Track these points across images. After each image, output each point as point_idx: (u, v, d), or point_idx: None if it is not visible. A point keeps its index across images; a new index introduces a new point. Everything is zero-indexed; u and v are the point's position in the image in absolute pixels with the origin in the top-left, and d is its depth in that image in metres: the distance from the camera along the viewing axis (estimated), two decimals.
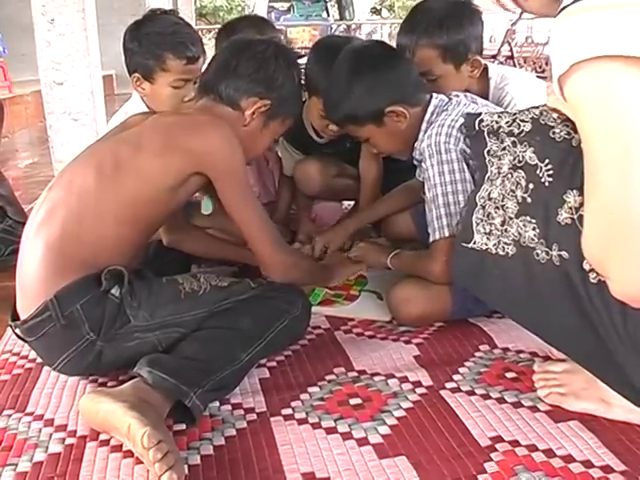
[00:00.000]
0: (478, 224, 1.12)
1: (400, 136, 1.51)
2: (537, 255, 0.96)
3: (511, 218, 1.04)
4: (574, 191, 0.90)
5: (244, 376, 1.25)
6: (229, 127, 1.24)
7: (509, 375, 1.27)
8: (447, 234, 1.37)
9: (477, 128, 1.11)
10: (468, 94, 1.56)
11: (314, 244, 1.80)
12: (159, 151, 1.21)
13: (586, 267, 0.89)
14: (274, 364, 1.35)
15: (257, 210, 1.28)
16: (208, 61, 1.40)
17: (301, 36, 10.68)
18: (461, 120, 1.37)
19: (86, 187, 1.19)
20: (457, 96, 1.51)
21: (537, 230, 0.96)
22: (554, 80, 0.78)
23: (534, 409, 1.14)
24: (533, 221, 0.98)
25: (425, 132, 1.45)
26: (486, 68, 1.69)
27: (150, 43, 1.63)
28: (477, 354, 1.36)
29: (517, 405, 1.16)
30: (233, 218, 1.27)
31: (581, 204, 0.88)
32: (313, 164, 2.03)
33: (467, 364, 1.32)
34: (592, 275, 0.88)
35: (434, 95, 1.50)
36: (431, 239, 1.41)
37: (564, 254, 0.92)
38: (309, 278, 1.46)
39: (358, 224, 1.86)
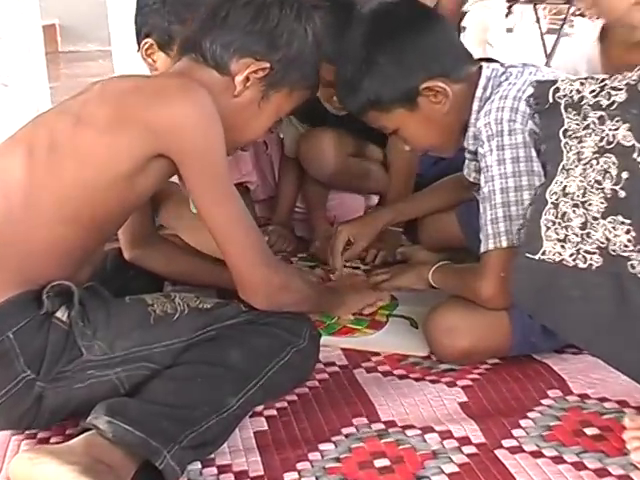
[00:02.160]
0: (549, 228, 1.13)
1: (441, 123, 1.51)
2: (632, 267, 0.97)
3: (596, 218, 1.05)
4: None
5: (234, 428, 1.24)
6: (207, 95, 1.23)
7: (589, 431, 1.26)
8: (505, 243, 1.37)
9: (551, 100, 1.12)
10: (528, 62, 1.56)
11: (334, 237, 1.82)
12: (107, 126, 1.19)
13: None
14: (274, 412, 1.35)
15: (236, 210, 1.27)
16: None
17: None
18: (530, 90, 1.36)
19: (14, 177, 1.19)
20: (514, 66, 1.50)
21: (632, 234, 0.97)
22: None
23: (625, 479, 1.12)
24: (627, 222, 0.99)
25: (480, 111, 1.45)
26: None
27: (179, 2, 1.62)
28: (545, 402, 1.36)
29: (602, 473, 1.14)
30: (202, 219, 1.26)
31: None
32: (326, 136, 2.03)
33: (531, 415, 1.31)
34: None
35: (484, 65, 1.50)
36: (483, 249, 1.41)
37: None
38: (307, 304, 1.43)
39: (393, 217, 1.87)
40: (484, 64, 1.51)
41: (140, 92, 1.24)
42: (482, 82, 1.47)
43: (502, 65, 1.51)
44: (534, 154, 1.36)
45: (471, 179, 1.58)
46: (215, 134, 1.23)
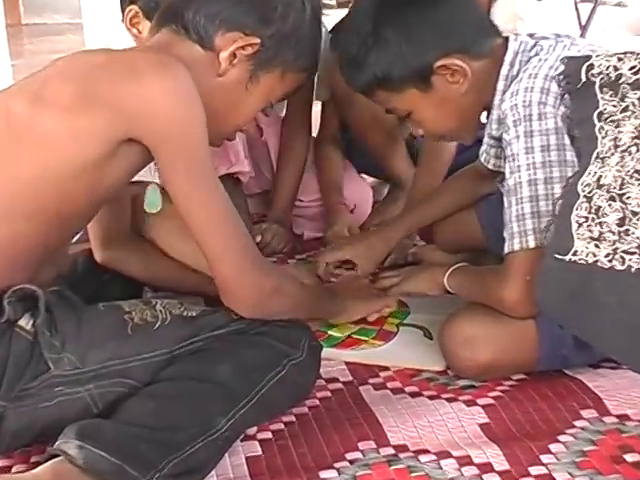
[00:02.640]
0: (581, 225, 1.13)
1: (459, 105, 1.51)
2: None
3: (635, 214, 1.05)
4: None
5: (224, 454, 1.25)
6: (186, 72, 1.21)
7: (630, 458, 1.25)
8: (532, 243, 1.37)
9: (584, 78, 1.11)
10: (562, 34, 1.54)
11: (327, 251, 1.83)
12: (70, 106, 1.18)
13: None
14: (269, 435, 1.35)
15: (219, 205, 1.26)
16: None
17: None
18: (561, 68, 1.33)
19: None
20: (546, 38, 1.50)
21: None
22: None
23: None
24: None
25: (505, 91, 1.45)
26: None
27: None
28: (578, 423, 1.35)
29: None
30: (180, 215, 1.25)
31: None
32: None
33: (563, 439, 1.31)
34: None
35: (511, 37, 1.50)
36: (507, 249, 1.40)
37: None
38: (301, 311, 1.42)
39: (404, 234, 1.89)
40: (511, 36, 1.50)
41: (109, 67, 1.23)
42: (508, 57, 1.47)
43: (532, 37, 1.50)
44: (567, 141, 1.35)
45: (490, 166, 1.57)
46: (195, 116, 1.21)
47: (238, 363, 1.26)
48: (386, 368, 1.57)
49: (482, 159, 1.62)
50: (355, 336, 1.66)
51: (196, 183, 1.23)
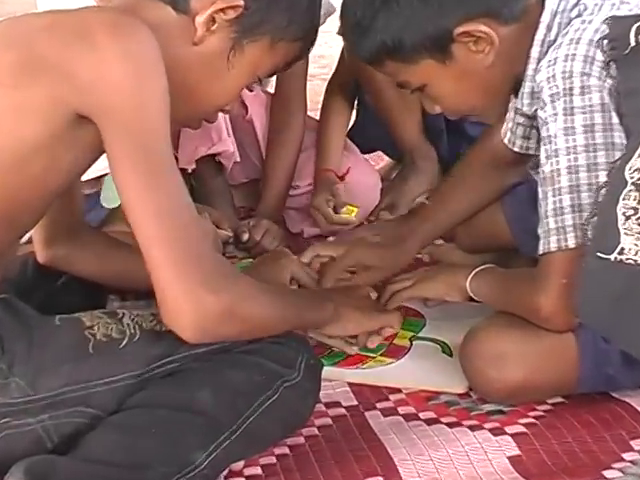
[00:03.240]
0: (628, 218, 1.15)
1: (483, 78, 1.51)
2: None
3: None
4: None
5: None
6: (150, 36, 1.20)
7: None
8: (572, 242, 1.36)
9: (632, 43, 1.12)
10: None
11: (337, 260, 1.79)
12: (10, 77, 1.18)
13: None
14: (257, 471, 1.35)
15: (171, 198, 1.21)
16: None
17: None
18: (606, 30, 1.33)
19: None
20: None
21: None
22: None
23: None
24: None
25: (541, 60, 1.43)
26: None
27: None
28: (627, 456, 1.34)
29: None
30: (124, 209, 1.21)
31: None
32: None
33: (609, 474, 1.29)
34: None
35: None
36: (542, 249, 1.40)
37: None
38: (268, 328, 1.35)
39: (421, 245, 1.88)
40: None
41: (56, 31, 1.21)
42: (545, 19, 1.45)
43: None
44: (615, 120, 1.34)
45: (517, 149, 1.57)
46: (152, 88, 1.19)
47: (221, 387, 1.26)
48: (397, 390, 1.57)
49: (506, 140, 1.61)
50: (361, 352, 1.65)
51: (145, 168, 1.18)
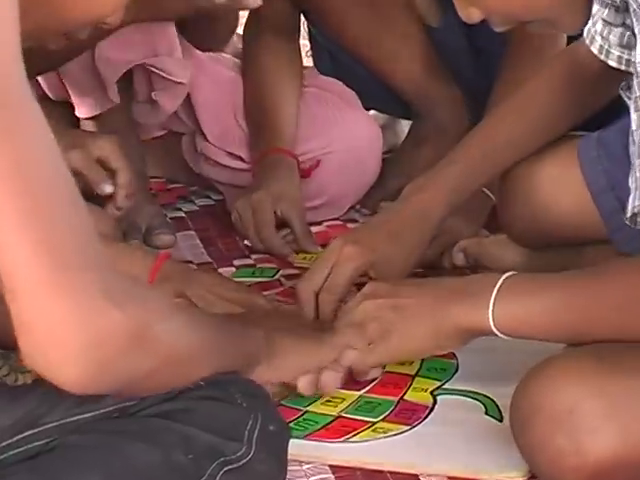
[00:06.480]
0: None
1: None
2: None
3: None
4: None
5: None
6: None
7: None
8: None
9: None
10: None
11: (336, 268, 1.51)
12: None
13: None
14: None
15: (24, 159, 0.95)
16: None
17: None
18: None
19: None
20: None
21: None
22: None
23: None
24: None
25: None
26: None
27: None
28: None
29: None
30: None
31: None
32: None
33: None
34: None
35: None
36: (630, 208, 1.20)
37: None
38: (210, 354, 1.19)
39: (454, 197, 1.57)
40: None
41: None
42: None
43: None
44: None
45: (613, 63, 1.36)
46: None
47: (119, 473, 1.02)
48: (413, 475, 1.24)
49: (595, 50, 1.39)
50: (350, 415, 1.31)
51: None
